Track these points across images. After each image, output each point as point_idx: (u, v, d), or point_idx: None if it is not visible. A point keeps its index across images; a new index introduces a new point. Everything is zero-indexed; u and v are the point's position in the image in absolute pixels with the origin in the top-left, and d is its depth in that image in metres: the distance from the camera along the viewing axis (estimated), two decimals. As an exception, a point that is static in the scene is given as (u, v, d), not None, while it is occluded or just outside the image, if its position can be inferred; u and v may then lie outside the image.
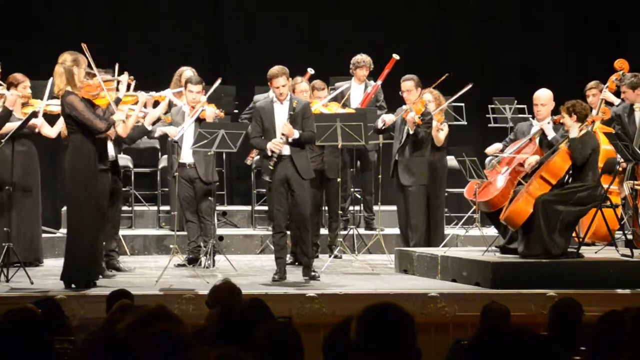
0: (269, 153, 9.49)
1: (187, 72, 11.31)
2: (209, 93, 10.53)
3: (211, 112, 10.25)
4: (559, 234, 9.22)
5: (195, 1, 14.08)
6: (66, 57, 8.94)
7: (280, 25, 13.91)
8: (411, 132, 10.59)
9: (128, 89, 9.48)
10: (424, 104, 10.66)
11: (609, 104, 11.17)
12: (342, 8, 14.12)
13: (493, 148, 10.37)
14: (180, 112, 10.48)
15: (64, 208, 10.20)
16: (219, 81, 10.63)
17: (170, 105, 11.30)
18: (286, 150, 9.50)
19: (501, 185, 9.90)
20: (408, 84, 10.70)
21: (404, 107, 10.75)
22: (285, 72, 9.56)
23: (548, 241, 9.17)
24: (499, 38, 14.38)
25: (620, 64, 11.13)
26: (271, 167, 9.47)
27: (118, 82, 9.40)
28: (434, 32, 14.33)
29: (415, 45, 13.51)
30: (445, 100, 11.07)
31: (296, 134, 9.47)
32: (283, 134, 9.45)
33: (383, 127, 10.94)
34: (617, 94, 11.18)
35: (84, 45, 9.32)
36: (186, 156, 10.33)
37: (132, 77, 9.56)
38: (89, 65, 9.12)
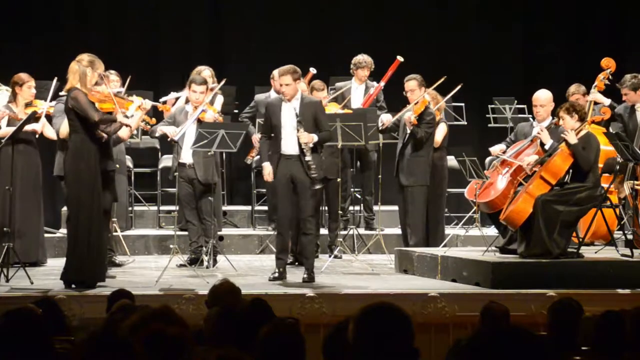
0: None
1: (206, 71, 11.28)
2: (212, 93, 10.53)
3: (211, 116, 10.22)
4: (558, 234, 9.22)
5: (195, 1, 14.08)
6: (83, 57, 8.96)
7: (281, 25, 13.91)
8: (408, 131, 10.61)
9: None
10: (425, 103, 10.65)
11: (598, 104, 11.11)
12: (342, 8, 14.12)
13: (497, 149, 10.33)
14: (184, 111, 10.44)
15: (64, 208, 10.20)
16: (223, 82, 10.66)
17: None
18: (294, 150, 9.48)
19: (502, 187, 9.88)
20: (411, 84, 10.71)
21: (407, 106, 10.74)
22: (289, 72, 9.48)
23: (548, 241, 9.17)
24: (499, 38, 14.38)
25: (607, 62, 11.07)
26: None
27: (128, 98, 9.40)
28: (434, 32, 14.32)
29: (415, 45, 13.51)
30: (442, 100, 11.07)
31: (315, 137, 9.42)
32: (305, 143, 9.37)
33: (382, 128, 10.99)
34: (605, 93, 11.13)
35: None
36: (186, 156, 10.30)
37: (143, 103, 9.56)
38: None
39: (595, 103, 11.02)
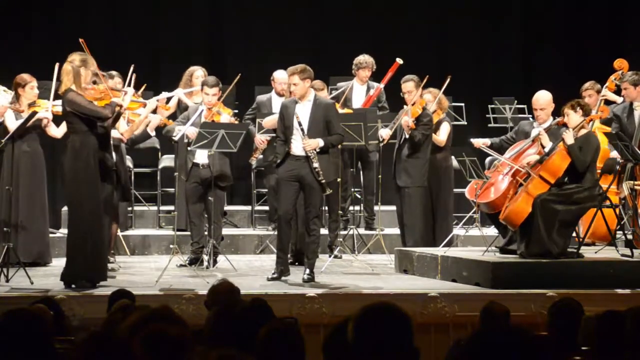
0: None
1: (198, 71, 11.27)
2: (225, 93, 10.54)
3: (225, 119, 10.21)
4: (557, 233, 9.22)
5: (195, 1, 14.08)
6: (75, 57, 8.93)
7: (281, 25, 13.91)
8: (406, 135, 10.61)
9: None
10: (423, 104, 10.66)
11: (609, 103, 11.15)
12: (342, 8, 14.12)
13: (480, 141, 10.40)
14: (199, 112, 10.39)
15: (64, 208, 10.20)
16: (237, 77, 10.64)
17: (180, 104, 11.27)
18: (303, 152, 9.43)
19: (503, 187, 9.87)
20: (408, 85, 10.70)
21: (405, 107, 10.74)
22: (296, 71, 9.41)
23: (547, 241, 9.17)
24: (499, 38, 14.38)
25: (620, 63, 11.12)
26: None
27: (125, 92, 9.33)
28: (434, 32, 14.32)
29: (415, 45, 13.51)
30: (444, 99, 11.06)
31: (320, 142, 9.40)
32: (311, 150, 9.32)
33: (384, 143, 10.98)
34: (616, 93, 11.16)
35: (82, 41, 9.31)
36: (200, 157, 10.29)
37: (138, 94, 9.54)
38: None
39: (607, 102, 11.06)
